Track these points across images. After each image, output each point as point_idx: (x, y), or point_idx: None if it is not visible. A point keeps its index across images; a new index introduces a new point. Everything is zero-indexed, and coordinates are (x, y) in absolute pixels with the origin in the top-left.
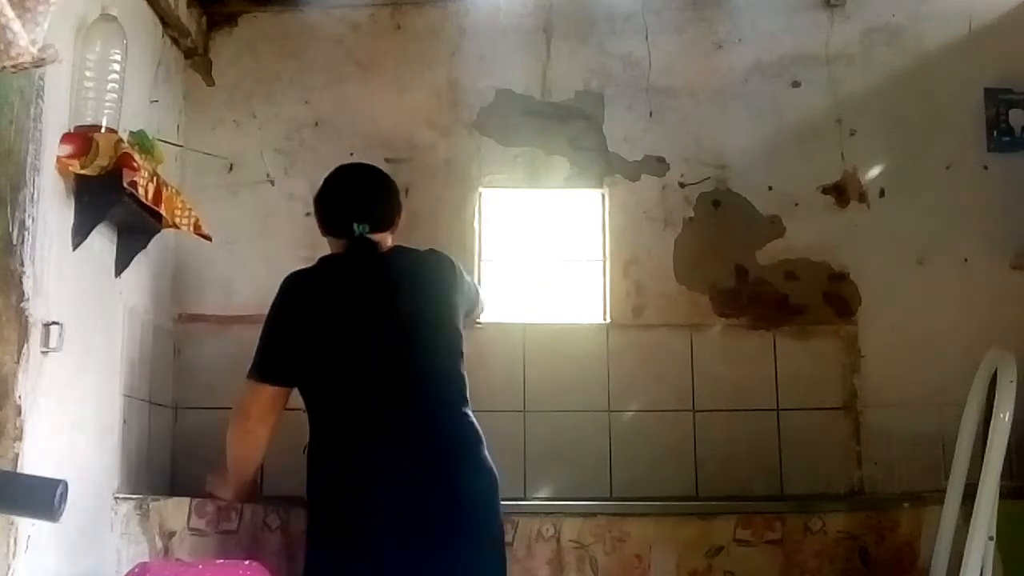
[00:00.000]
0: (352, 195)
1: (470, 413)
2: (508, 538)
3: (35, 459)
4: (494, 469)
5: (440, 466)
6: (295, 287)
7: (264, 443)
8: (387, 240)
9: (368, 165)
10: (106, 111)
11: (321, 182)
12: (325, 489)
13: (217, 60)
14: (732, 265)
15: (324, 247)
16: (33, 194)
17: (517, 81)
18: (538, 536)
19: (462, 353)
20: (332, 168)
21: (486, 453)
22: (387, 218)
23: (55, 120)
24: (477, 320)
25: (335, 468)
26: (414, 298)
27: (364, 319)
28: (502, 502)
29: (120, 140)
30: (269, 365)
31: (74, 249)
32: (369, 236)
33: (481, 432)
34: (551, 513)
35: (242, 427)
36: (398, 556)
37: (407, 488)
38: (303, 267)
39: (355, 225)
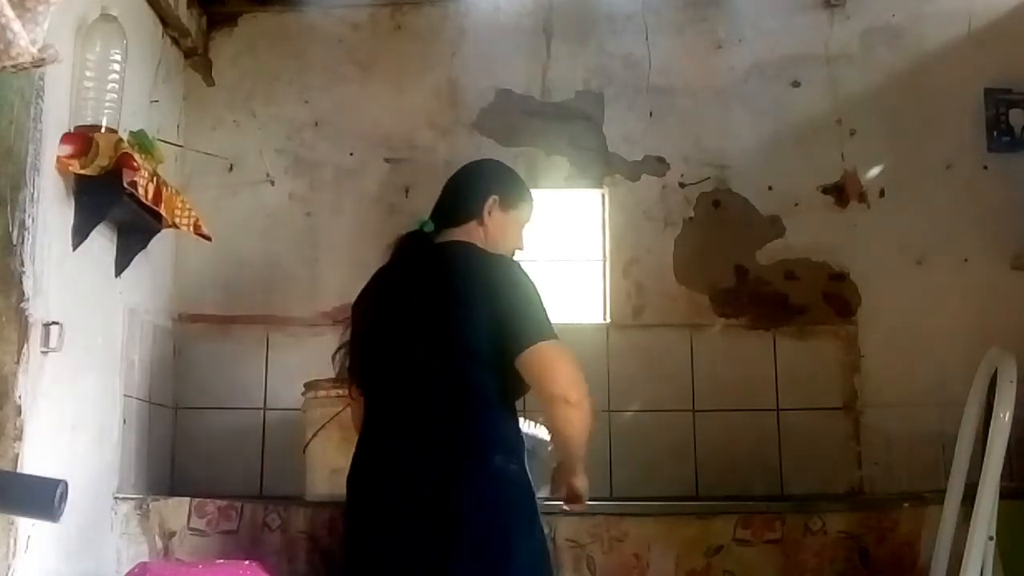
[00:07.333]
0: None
1: (480, 422)
2: None
3: (35, 459)
4: (502, 477)
5: (431, 473)
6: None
7: None
8: (454, 234)
9: (477, 160)
10: (106, 111)
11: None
12: (347, 481)
13: (217, 60)
14: (732, 265)
15: (323, 247)
16: (33, 194)
17: (517, 81)
18: None
19: (487, 362)
20: (332, 168)
21: (497, 460)
22: (448, 214)
23: (55, 120)
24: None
25: (353, 462)
26: (433, 299)
27: (390, 314)
28: None
29: (120, 140)
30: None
31: (74, 249)
32: (428, 232)
33: (496, 440)
34: (547, 513)
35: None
36: (382, 553)
37: (399, 490)
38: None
39: (420, 222)
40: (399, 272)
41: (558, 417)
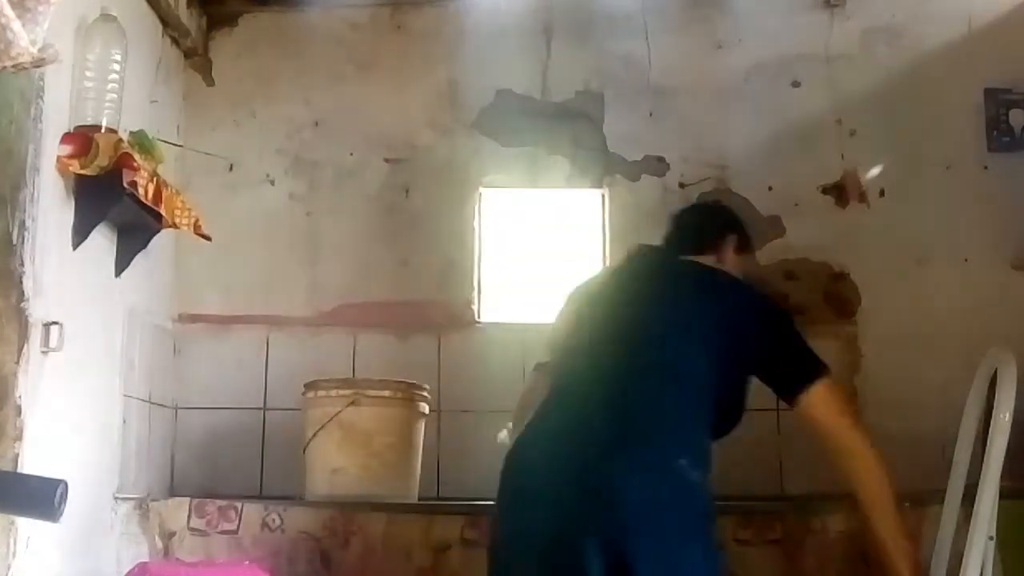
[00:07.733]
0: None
1: (681, 419)
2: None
3: (35, 459)
4: (681, 477)
5: (592, 458)
6: None
7: None
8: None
9: (712, 201)
10: (106, 111)
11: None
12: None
13: (217, 60)
14: None
15: (321, 247)
16: (33, 194)
17: (517, 81)
18: None
19: (697, 387)
20: (332, 168)
21: (683, 462)
22: (686, 243)
23: (55, 120)
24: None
25: (524, 436)
26: (689, 299)
27: (629, 301)
28: None
29: (120, 140)
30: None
31: (74, 249)
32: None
33: (690, 444)
34: None
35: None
36: (522, 535)
37: (553, 470)
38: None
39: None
40: (643, 267)
41: (844, 467)
